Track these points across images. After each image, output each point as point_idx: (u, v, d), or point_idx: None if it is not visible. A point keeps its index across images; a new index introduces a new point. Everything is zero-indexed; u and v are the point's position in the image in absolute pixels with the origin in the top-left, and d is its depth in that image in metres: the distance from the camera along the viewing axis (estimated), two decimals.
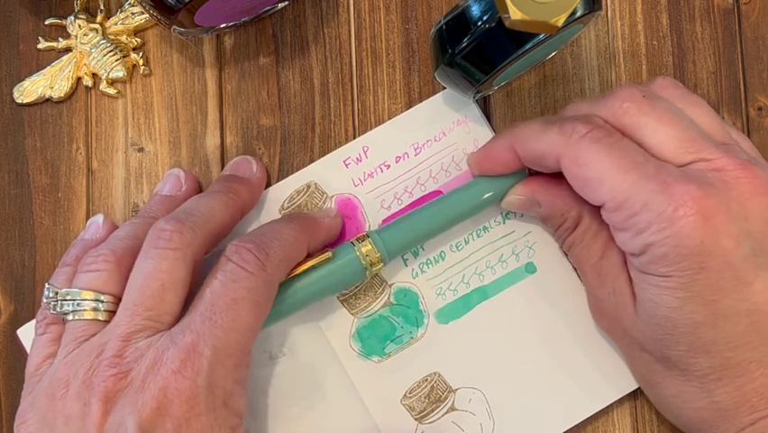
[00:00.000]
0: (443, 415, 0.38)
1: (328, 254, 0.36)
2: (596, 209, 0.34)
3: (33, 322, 0.38)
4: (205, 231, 0.35)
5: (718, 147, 0.33)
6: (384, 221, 0.39)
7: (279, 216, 0.39)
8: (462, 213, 0.37)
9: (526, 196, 0.37)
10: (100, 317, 0.34)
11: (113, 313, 0.34)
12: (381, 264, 0.37)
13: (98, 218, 0.39)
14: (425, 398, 0.38)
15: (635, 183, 0.32)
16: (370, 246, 0.36)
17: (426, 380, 0.38)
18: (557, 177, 0.35)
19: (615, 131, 0.34)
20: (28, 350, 0.38)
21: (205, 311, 0.33)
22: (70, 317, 0.34)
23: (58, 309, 0.34)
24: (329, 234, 0.38)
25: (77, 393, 0.32)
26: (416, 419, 0.38)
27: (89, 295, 0.34)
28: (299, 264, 0.36)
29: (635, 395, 0.38)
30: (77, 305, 0.34)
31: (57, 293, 0.35)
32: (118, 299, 0.34)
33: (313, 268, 0.36)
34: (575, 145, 0.33)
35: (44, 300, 0.35)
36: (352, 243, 0.36)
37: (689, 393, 0.33)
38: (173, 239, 0.33)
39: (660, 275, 0.32)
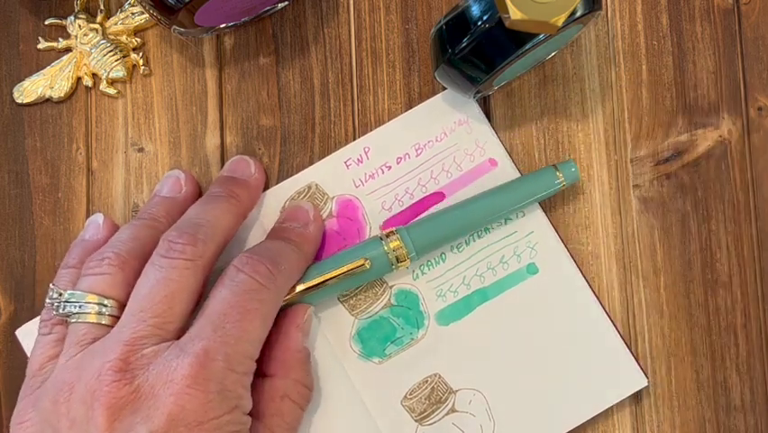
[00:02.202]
0: (443, 416, 0.38)
1: (363, 265, 0.36)
2: None
3: (32, 323, 0.38)
4: (215, 242, 0.35)
5: None
6: (385, 222, 0.39)
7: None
8: (493, 215, 0.37)
9: None
10: (103, 321, 0.34)
11: (116, 318, 0.34)
12: (408, 261, 0.37)
13: (98, 218, 0.39)
14: (425, 399, 0.38)
15: None
16: (399, 242, 0.37)
17: (427, 381, 0.38)
18: None
19: None
20: (26, 350, 0.38)
21: (217, 320, 0.33)
22: (73, 319, 0.34)
23: (61, 311, 0.34)
24: (317, 243, 0.38)
25: (81, 397, 0.32)
26: (416, 421, 0.38)
27: (93, 298, 0.34)
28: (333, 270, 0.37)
29: (636, 396, 0.38)
30: (81, 307, 0.34)
31: (61, 294, 0.35)
32: (122, 304, 0.34)
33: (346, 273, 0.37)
34: None
35: (47, 301, 0.35)
36: (380, 238, 0.37)
37: None
38: (186, 251, 0.34)
39: None
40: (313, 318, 0.38)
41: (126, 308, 0.33)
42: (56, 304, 0.35)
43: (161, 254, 0.34)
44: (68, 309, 0.34)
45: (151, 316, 0.33)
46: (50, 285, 0.36)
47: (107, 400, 0.31)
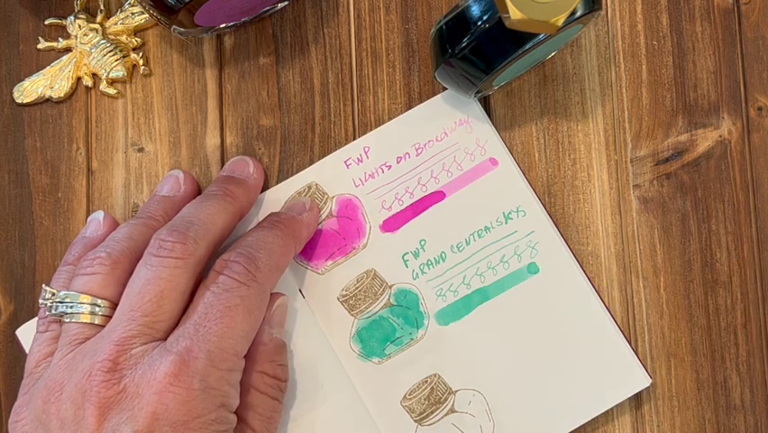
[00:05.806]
0: (442, 417, 0.38)
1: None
2: None
3: (32, 322, 0.38)
4: (206, 241, 0.35)
5: None
6: (385, 222, 0.39)
7: None
8: None
9: None
10: (96, 321, 0.34)
11: (108, 318, 0.34)
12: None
13: (99, 215, 0.39)
14: (424, 399, 0.38)
15: None
16: None
17: (426, 381, 0.38)
18: None
19: None
20: (27, 350, 0.38)
21: (199, 319, 0.33)
22: (67, 319, 0.34)
23: (54, 311, 0.34)
24: (309, 230, 0.38)
25: (71, 397, 0.32)
26: (415, 421, 0.38)
27: (86, 299, 0.34)
28: None
29: (636, 396, 0.38)
30: (73, 307, 0.34)
31: (54, 294, 0.35)
32: (114, 304, 0.34)
33: None
34: None
35: (41, 302, 0.35)
36: None
37: None
38: (175, 249, 0.34)
39: None
40: (287, 308, 0.38)
41: (118, 307, 0.34)
42: (49, 304, 0.35)
43: (152, 253, 0.34)
44: (60, 310, 0.34)
45: (141, 315, 0.33)
46: (43, 286, 0.36)
47: (97, 399, 0.31)
